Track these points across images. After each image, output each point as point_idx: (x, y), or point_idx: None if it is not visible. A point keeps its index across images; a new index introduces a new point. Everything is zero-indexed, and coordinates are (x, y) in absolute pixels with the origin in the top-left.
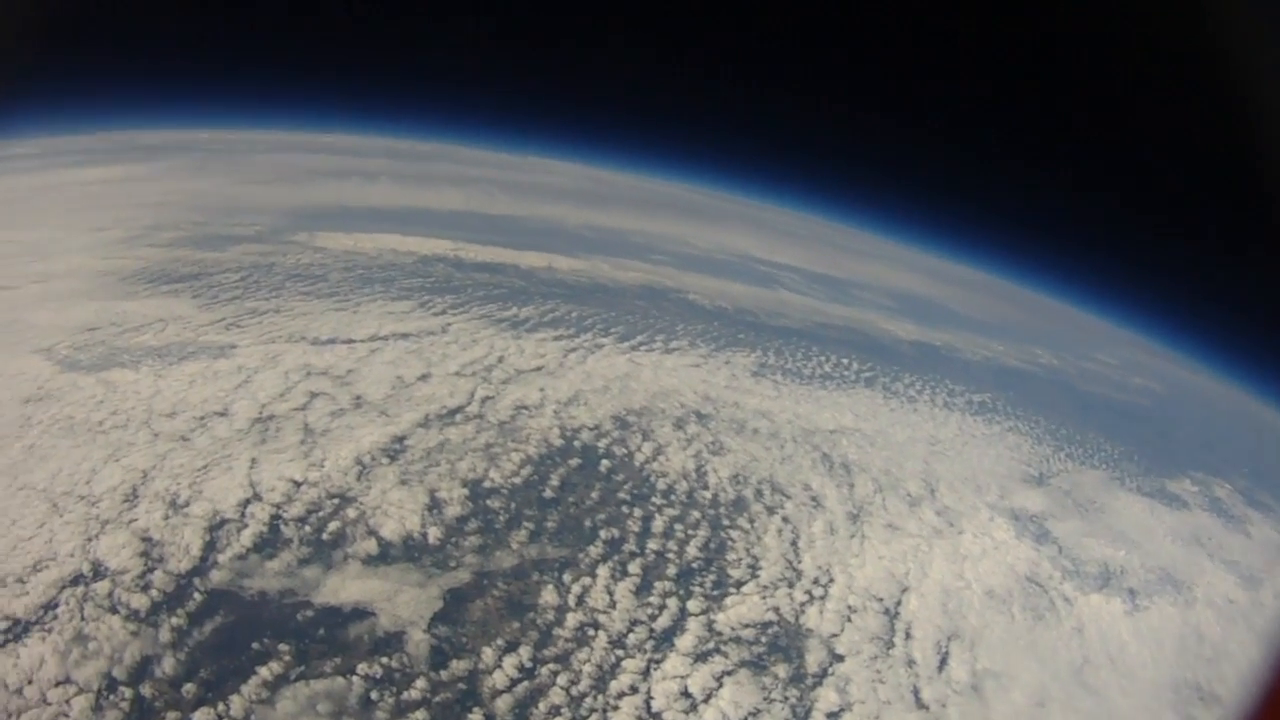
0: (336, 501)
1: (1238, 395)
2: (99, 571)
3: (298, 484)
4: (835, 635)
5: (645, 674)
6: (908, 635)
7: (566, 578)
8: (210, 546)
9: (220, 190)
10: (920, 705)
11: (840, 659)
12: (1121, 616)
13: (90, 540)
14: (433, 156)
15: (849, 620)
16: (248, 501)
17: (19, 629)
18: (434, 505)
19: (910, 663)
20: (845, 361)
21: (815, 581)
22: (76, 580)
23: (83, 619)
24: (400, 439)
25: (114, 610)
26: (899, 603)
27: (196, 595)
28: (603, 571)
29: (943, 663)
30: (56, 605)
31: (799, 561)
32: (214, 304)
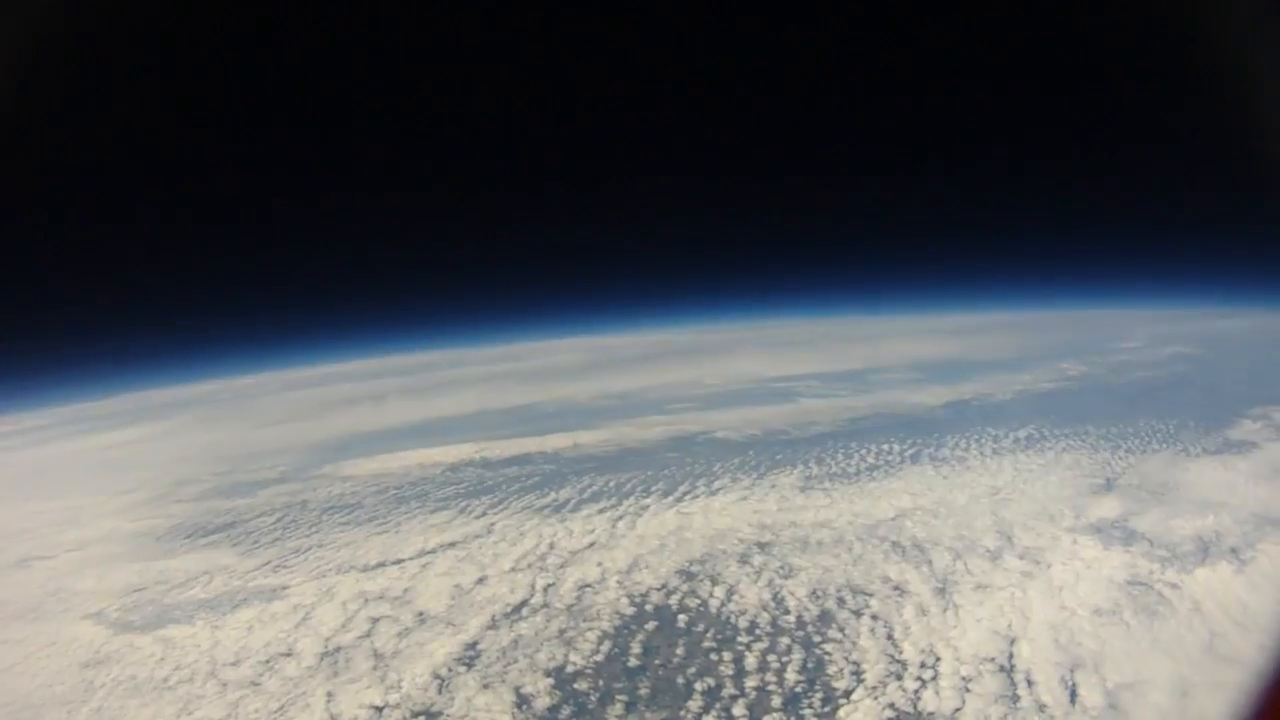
0: (423, 719)
1: (1265, 318)
2: None
3: (379, 709)
4: (958, 709)
5: None
6: (1029, 683)
7: None
8: None
9: (236, 438)
10: None
11: None
12: (1233, 578)
13: None
14: (433, 365)
15: (967, 690)
16: None
17: None
18: (521, 701)
19: (1041, 708)
20: (886, 447)
21: (922, 665)
22: None
23: None
24: (472, 645)
25: None
26: (1011, 655)
27: None
28: None
29: (1073, 695)
30: None
31: (900, 652)
32: (255, 549)
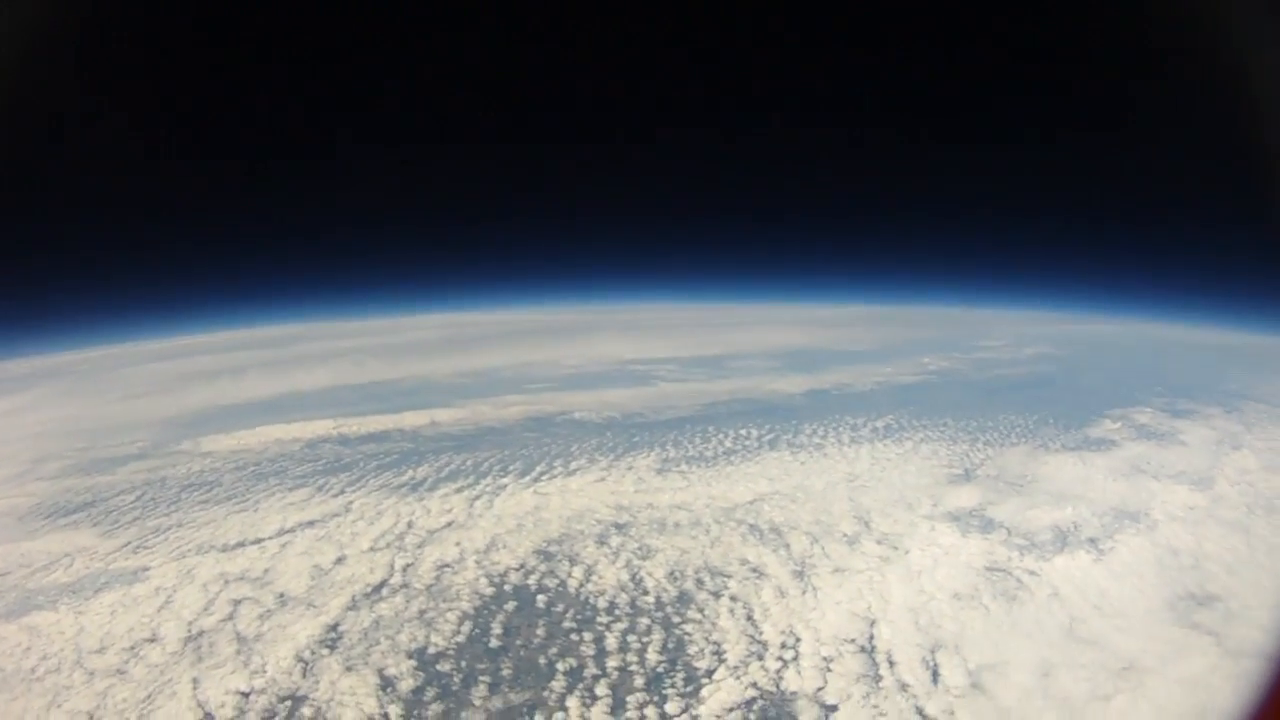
0: (289, 703)
1: (1129, 325)
2: None
3: (246, 695)
4: (820, 688)
5: None
6: (891, 663)
7: (538, 718)
8: None
9: (95, 411)
10: None
11: (834, 709)
12: (1091, 566)
13: None
14: (289, 339)
15: (829, 669)
16: None
17: None
18: (386, 684)
19: (904, 686)
20: (744, 432)
21: (783, 646)
22: None
23: None
24: (334, 626)
25: None
26: (871, 636)
27: None
28: (572, 702)
29: (935, 675)
30: None
31: (760, 633)
32: (116, 529)
